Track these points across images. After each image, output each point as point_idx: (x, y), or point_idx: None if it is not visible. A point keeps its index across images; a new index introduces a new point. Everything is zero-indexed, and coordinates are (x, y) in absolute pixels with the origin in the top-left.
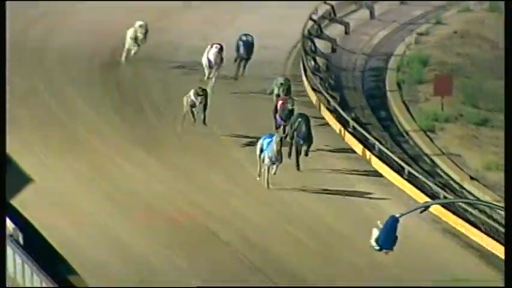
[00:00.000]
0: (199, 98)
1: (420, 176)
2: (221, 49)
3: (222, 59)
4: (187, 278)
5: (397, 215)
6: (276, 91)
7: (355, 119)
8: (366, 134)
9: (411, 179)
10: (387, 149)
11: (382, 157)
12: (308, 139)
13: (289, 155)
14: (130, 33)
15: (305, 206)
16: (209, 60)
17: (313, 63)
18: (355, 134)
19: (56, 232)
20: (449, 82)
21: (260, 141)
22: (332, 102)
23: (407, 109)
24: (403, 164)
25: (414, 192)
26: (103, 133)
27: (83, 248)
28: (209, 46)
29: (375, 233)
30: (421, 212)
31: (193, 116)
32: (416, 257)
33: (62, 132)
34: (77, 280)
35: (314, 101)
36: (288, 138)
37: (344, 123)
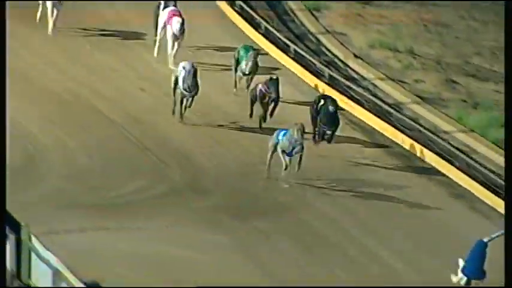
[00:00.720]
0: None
1: (306, 55)
2: (184, 22)
3: (184, 30)
4: (75, 155)
5: (485, 240)
6: (243, 66)
7: None
8: (253, 13)
9: (297, 57)
10: (273, 27)
11: (268, 36)
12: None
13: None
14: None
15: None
16: (174, 34)
17: None
18: (241, 13)
19: None
20: None
21: (275, 136)
22: None
23: None
24: (288, 42)
25: (300, 70)
26: None
27: None
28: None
29: (461, 263)
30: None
31: (181, 105)
32: None
33: None
34: None
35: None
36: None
37: (231, 3)
